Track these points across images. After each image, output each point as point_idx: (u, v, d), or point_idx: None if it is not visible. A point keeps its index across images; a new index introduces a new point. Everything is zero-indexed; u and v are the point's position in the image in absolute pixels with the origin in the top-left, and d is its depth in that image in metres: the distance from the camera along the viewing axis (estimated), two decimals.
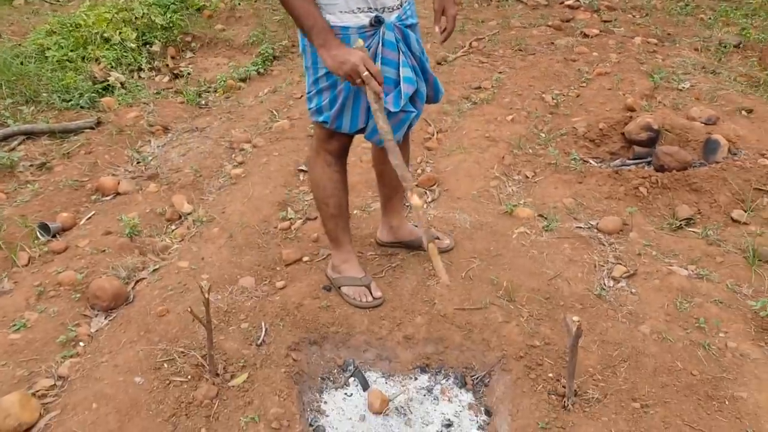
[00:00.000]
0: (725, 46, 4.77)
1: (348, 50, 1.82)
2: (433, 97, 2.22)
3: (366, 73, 1.79)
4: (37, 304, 2.34)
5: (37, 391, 1.96)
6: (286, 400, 1.94)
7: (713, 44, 4.84)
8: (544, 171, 3.18)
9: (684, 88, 4.05)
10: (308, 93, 2.11)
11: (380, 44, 1.93)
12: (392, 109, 1.93)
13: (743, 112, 3.69)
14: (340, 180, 2.25)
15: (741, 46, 4.83)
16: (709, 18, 5.51)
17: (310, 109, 2.12)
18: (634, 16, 5.68)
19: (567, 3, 5.99)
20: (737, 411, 1.86)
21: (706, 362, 2.03)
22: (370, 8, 1.90)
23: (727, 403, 1.89)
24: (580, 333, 1.79)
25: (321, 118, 2.08)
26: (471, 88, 4.15)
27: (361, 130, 2.09)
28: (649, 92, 3.96)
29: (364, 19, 1.90)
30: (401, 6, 1.99)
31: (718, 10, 5.69)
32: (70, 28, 4.70)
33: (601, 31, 5.19)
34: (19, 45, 4.58)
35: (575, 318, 1.77)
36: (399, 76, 1.94)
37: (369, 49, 1.91)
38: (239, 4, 6.01)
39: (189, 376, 2.00)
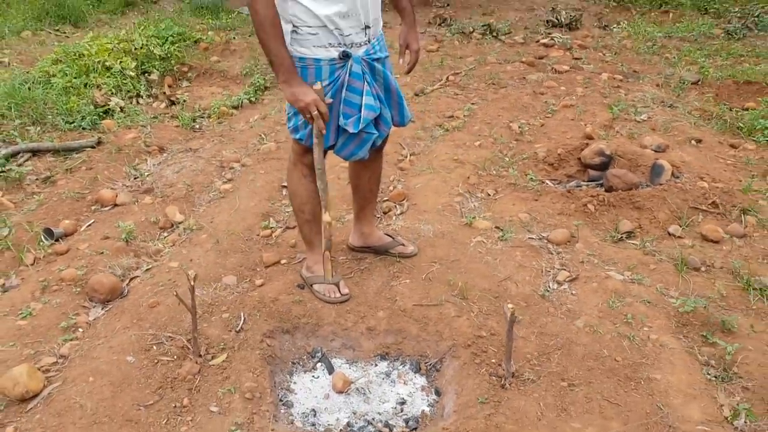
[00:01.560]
0: (684, 83, 5.14)
1: (305, 90, 2.16)
2: (400, 121, 2.55)
3: (315, 112, 2.15)
4: (41, 297, 2.63)
5: (42, 366, 2.23)
6: (259, 376, 2.22)
7: (674, 81, 5.21)
8: (505, 190, 3.50)
9: (641, 119, 4.40)
10: (287, 114, 2.45)
11: (347, 74, 2.26)
12: (352, 130, 2.27)
13: (693, 142, 4.03)
14: (314, 190, 2.56)
15: (699, 82, 5.20)
16: (674, 57, 5.90)
17: (289, 127, 2.46)
18: (604, 54, 6.07)
19: (542, 41, 6.39)
20: (650, 389, 2.14)
21: (629, 350, 2.32)
22: (340, 44, 2.23)
23: (642, 383, 2.17)
24: (514, 318, 2.08)
25: (297, 136, 2.40)
26: (444, 117, 4.50)
27: (332, 147, 2.42)
28: (608, 123, 4.31)
29: (335, 53, 2.24)
30: (369, 42, 2.32)
31: (683, 50, 6.09)
32: (74, 57, 5.04)
33: (571, 68, 5.57)
34: (28, 72, 4.90)
35: (510, 305, 2.07)
36: (362, 102, 2.27)
37: (338, 79, 2.25)
38: (234, 38, 6.40)
39: (175, 356, 2.28)
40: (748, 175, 3.58)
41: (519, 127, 4.28)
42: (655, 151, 3.81)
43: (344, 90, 2.28)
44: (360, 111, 2.29)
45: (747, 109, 4.55)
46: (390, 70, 2.45)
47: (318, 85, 2.19)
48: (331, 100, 2.24)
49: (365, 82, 2.29)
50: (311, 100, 2.14)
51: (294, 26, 2.21)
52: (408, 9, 2.56)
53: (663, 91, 5.04)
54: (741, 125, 4.24)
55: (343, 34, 2.22)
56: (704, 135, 4.13)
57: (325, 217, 2.35)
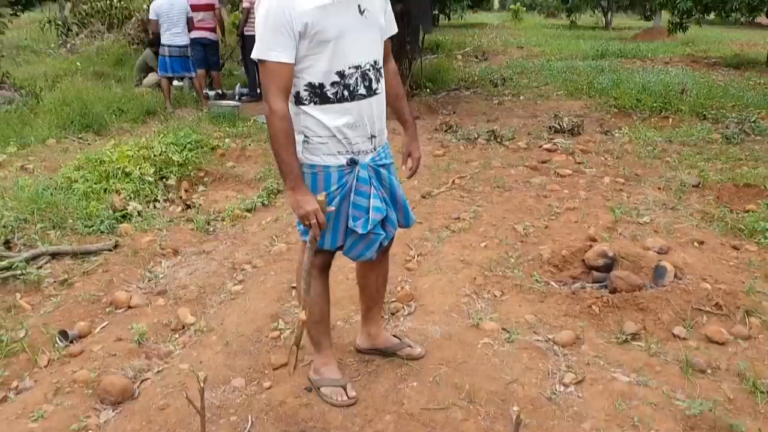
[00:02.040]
0: (685, 186, 5.29)
1: (309, 198, 2.28)
2: (405, 223, 2.67)
3: (314, 221, 2.27)
4: (54, 399, 2.67)
5: None
6: None
7: (675, 184, 5.36)
8: (511, 291, 3.56)
9: (643, 221, 4.51)
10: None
11: (355, 179, 2.40)
12: (361, 231, 2.38)
13: (695, 244, 4.11)
14: (323, 291, 2.65)
15: (700, 185, 5.35)
16: (674, 161, 6.09)
17: (299, 230, 2.57)
18: (606, 159, 6.27)
19: (545, 147, 6.63)
20: None
21: None
22: (348, 152, 2.39)
23: None
24: (520, 421, 2.09)
25: (307, 238, 2.51)
26: (451, 219, 4.62)
27: (341, 248, 2.52)
28: (611, 225, 4.42)
29: (343, 160, 2.39)
30: (375, 150, 2.48)
31: (683, 154, 6.29)
32: (96, 164, 5.27)
33: (574, 172, 5.76)
34: (51, 178, 5.13)
35: (516, 408, 2.09)
36: (369, 205, 2.39)
37: (346, 184, 2.39)
38: (250, 144, 6.67)
39: None
40: (750, 276, 3.64)
41: (524, 228, 4.39)
42: (658, 252, 3.89)
43: (352, 194, 2.41)
44: (368, 213, 2.41)
45: (748, 212, 4.65)
46: (395, 176, 2.60)
47: (322, 196, 2.31)
48: (333, 209, 2.36)
49: (372, 186, 2.43)
50: (312, 209, 2.26)
51: (305, 137, 2.37)
52: (410, 121, 2.75)
53: (664, 194, 5.18)
54: (742, 227, 4.33)
55: (351, 143, 2.38)
56: (706, 237, 4.22)
57: (301, 315, 2.42)
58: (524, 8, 35.88)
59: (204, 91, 9.42)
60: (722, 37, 21.31)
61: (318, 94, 2.32)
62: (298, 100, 2.35)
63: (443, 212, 4.75)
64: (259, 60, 2.25)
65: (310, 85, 2.31)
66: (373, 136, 2.44)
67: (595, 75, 11.39)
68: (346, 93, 2.34)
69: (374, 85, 2.41)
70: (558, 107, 8.99)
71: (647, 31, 23.41)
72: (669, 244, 3.99)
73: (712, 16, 16.39)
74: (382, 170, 2.49)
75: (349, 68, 2.33)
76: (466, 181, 5.55)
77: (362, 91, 2.37)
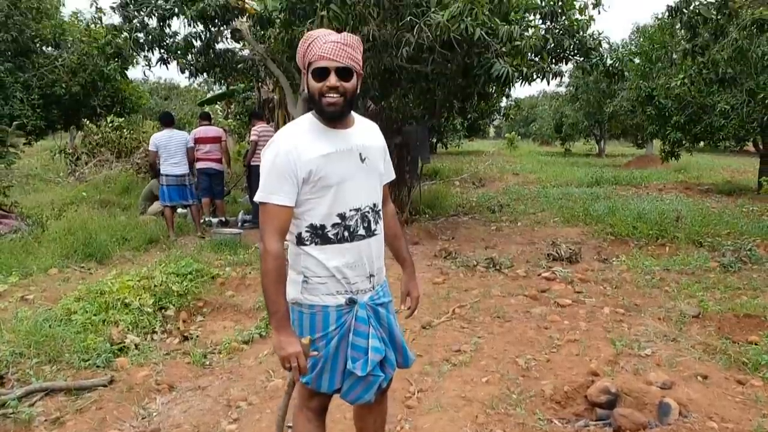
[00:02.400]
0: (685, 316, 5.27)
1: (292, 341, 2.30)
2: (403, 363, 2.65)
3: (294, 364, 2.28)
4: None
5: None
6: None
7: (675, 314, 5.35)
8: (514, 429, 3.46)
9: (645, 354, 4.46)
10: None
11: (354, 319, 2.42)
12: (359, 374, 2.37)
13: (699, 378, 4.05)
14: None
15: (700, 316, 5.33)
16: (673, 290, 6.11)
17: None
18: (604, 288, 6.29)
19: (544, 275, 6.67)
20: None
21: None
22: (347, 291, 2.42)
23: None
24: None
25: (304, 380, 2.48)
26: (452, 351, 4.58)
27: (338, 390, 2.49)
28: (613, 358, 4.36)
29: (342, 300, 2.42)
30: (374, 288, 2.51)
31: (681, 283, 6.32)
32: (96, 295, 5.29)
33: (573, 301, 5.76)
34: (50, 309, 5.12)
35: None
36: (368, 345, 2.39)
37: (345, 323, 2.40)
38: (250, 272, 6.72)
39: None
40: (758, 414, 3.55)
41: (525, 362, 4.34)
42: (661, 388, 3.82)
43: (351, 334, 2.42)
44: (367, 354, 2.40)
45: (751, 344, 4.62)
46: (393, 314, 2.61)
47: (306, 340, 2.32)
48: (317, 353, 2.37)
49: (370, 326, 2.44)
50: (293, 351, 2.27)
51: (305, 277, 2.41)
52: (408, 260, 2.81)
53: (665, 324, 5.16)
54: (746, 360, 4.28)
55: (350, 283, 2.42)
56: (710, 370, 4.16)
57: None
58: (519, 136, 37.26)
59: (207, 219, 9.62)
60: (713, 163, 22.01)
61: (319, 235, 2.39)
62: (300, 241, 2.41)
63: (444, 344, 4.71)
64: (260, 202, 2.34)
65: (312, 226, 2.38)
66: (371, 275, 2.49)
67: (590, 202, 11.66)
68: (346, 234, 2.41)
69: (373, 226, 2.49)
70: (555, 234, 9.13)
71: (640, 158, 24.24)
72: (672, 378, 3.92)
73: (701, 144, 17.01)
74: (380, 309, 2.51)
75: (350, 210, 2.41)
76: (466, 310, 5.54)
77: (362, 231, 2.44)
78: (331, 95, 2.31)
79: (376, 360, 2.41)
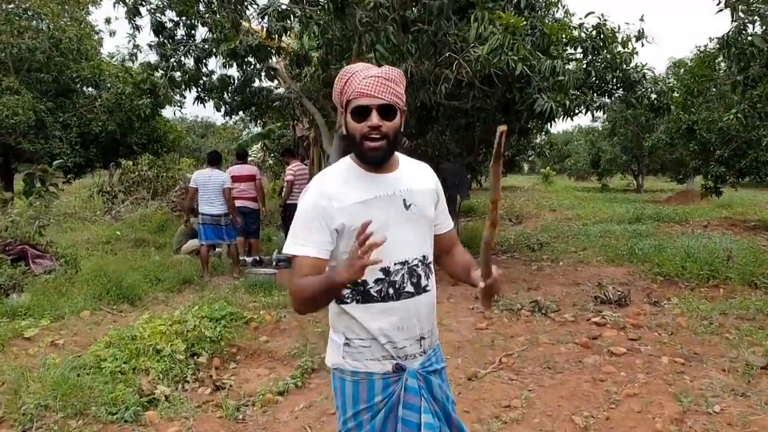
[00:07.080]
0: (752, 367, 4.87)
1: (339, 270, 1.94)
2: None
3: (359, 266, 1.87)
4: None
5: None
6: None
7: (740, 365, 4.94)
8: None
9: (714, 411, 4.08)
10: (339, 416, 2.27)
11: (403, 389, 2.14)
12: None
13: None
14: None
15: None
16: (735, 337, 5.69)
17: (339, 430, 2.27)
18: (660, 335, 5.90)
19: (593, 320, 6.30)
20: None
21: None
22: (394, 356, 2.15)
23: None
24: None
25: None
26: (501, 407, 4.25)
27: None
28: (679, 416, 3.99)
29: (389, 366, 2.15)
30: (425, 353, 2.23)
31: (742, 329, 5.90)
32: (127, 341, 5.10)
33: (628, 350, 5.38)
34: (79, 356, 4.94)
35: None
36: (420, 420, 2.11)
37: (393, 394, 2.13)
38: (284, 316, 6.49)
39: None
40: None
41: (583, 420, 3.99)
42: None
43: (400, 407, 2.14)
44: (419, 430, 2.12)
45: None
46: (446, 383, 2.33)
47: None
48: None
49: (422, 398, 2.16)
50: (348, 261, 1.92)
51: (346, 338, 2.17)
52: (475, 264, 2.36)
53: (731, 377, 4.76)
54: None
55: (397, 347, 2.16)
56: None
57: None
58: (554, 171, 36.86)
59: (242, 258, 9.46)
60: (757, 199, 21.32)
61: (360, 292, 2.14)
62: (339, 299, 2.16)
63: (492, 399, 4.38)
64: (287, 254, 2.11)
65: (352, 282, 2.12)
66: (422, 338, 2.22)
67: (634, 240, 11.23)
68: (391, 291, 2.15)
69: (423, 282, 2.22)
70: (600, 274, 8.76)
71: (681, 193, 23.63)
72: None
73: (746, 179, 16.47)
74: (432, 378, 2.23)
75: (395, 264, 2.15)
76: (513, 359, 5.20)
77: (410, 288, 2.18)
78: (374, 138, 2.07)
79: None
